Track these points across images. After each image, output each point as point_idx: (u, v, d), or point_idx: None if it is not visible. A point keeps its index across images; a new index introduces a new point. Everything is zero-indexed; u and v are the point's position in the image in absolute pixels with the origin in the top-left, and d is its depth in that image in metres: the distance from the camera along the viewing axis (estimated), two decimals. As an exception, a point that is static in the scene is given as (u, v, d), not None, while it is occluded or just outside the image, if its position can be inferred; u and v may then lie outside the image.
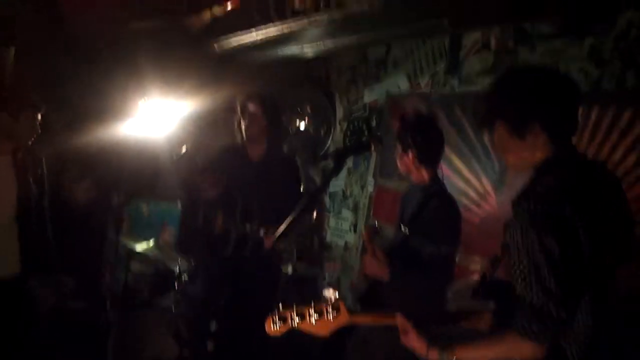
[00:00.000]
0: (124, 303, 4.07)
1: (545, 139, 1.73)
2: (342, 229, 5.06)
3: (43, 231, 3.40)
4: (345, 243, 4.99)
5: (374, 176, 4.75)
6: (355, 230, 4.91)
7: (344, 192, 5.06)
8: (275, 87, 4.43)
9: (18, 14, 3.82)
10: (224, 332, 2.81)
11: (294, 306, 1.94)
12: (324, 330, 1.93)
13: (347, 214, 5.02)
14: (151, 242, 4.36)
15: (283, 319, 1.94)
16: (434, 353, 1.78)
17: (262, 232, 3.11)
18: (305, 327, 1.93)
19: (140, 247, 4.29)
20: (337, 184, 5.03)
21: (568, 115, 1.76)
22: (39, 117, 3.26)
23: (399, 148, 2.87)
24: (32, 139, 3.28)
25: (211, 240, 3.34)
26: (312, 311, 1.91)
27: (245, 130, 3.38)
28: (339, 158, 2.18)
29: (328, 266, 5.07)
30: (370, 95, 4.87)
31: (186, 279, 4.06)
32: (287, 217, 2.06)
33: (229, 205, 3.28)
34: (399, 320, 1.87)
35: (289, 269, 4.44)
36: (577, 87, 1.81)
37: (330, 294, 2.01)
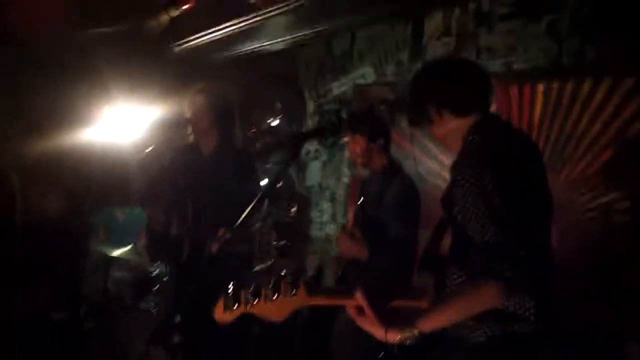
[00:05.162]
0: (105, 309, 4.07)
1: (449, 115, 1.83)
2: (322, 221, 5.07)
3: (13, 243, 3.38)
4: (326, 235, 5.00)
5: (349, 167, 4.76)
6: (335, 222, 4.92)
7: (320, 184, 5.06)
8: (241, 85, 4.44)
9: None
10: (188, 325, 2.77)
11: (249, 286, 1.68)
12: (280, 313, 1.66)
13: (325, 205, 5.02)
14: (129, 248, 4.36)
15: (236, 300, 1.69)
16: (394, 334, 1.62)
17: (215, 236, 2.99)
18: (259, 309, 1.67)
19: (118, 253, 4.29)
20: (313, 177, 5.03)
21: (461, 91, 1.84)
22: None
23: (350, 135, 2.93)
24: None
25: (168, 246, 3.26)
26: (268, 290, 1.65)
27: (193, 125, 3.34)
28: (296, 144, 2.20)
29: (310, 259, 5.08)
30: (339, 88, 4.88)
31: (164, 280, 4.07)
32: (240, 213, 2.03)
33: (181, 208, 3.22)
34: (359, 298, 1.65)
35: (270, 264, 4.45)
36: (472, 67, 1.91)
37: (289, 271, 1.72)
